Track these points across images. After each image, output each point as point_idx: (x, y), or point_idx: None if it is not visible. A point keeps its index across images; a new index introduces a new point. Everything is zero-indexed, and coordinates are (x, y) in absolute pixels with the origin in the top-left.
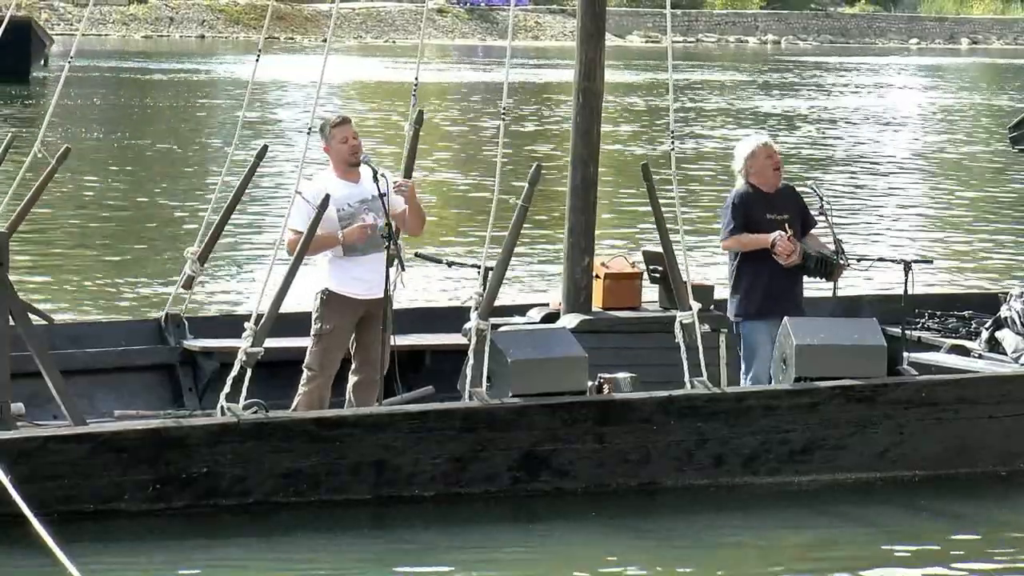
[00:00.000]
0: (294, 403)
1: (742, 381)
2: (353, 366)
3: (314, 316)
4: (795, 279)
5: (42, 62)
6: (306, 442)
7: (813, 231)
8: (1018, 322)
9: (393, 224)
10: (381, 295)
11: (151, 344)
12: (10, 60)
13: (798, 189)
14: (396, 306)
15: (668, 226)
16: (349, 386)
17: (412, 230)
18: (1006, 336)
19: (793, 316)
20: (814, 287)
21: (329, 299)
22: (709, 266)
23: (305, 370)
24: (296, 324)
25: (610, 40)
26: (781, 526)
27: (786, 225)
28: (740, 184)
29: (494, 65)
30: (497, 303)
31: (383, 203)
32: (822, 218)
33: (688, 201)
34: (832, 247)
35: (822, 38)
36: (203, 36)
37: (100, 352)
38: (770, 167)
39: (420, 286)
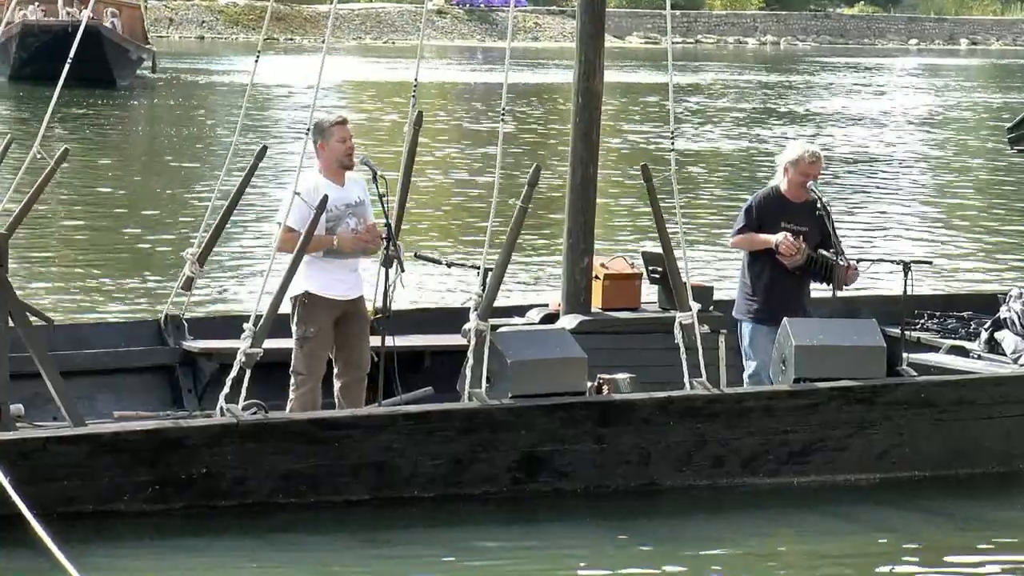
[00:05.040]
0: (288, 408)
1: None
2: (337, 369)
3: (295, 320)
4: (801, 283)
5: (148, 65)
6: (305, 443)
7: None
8: (1017, 323)
9: (392, 225)
10: (358, 295)
11: (150, 345)
12: (90, 67)
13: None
14: (395, 307)
15: (668, 227)
16: (336, 389)
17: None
18: (1005, 337)
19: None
20: (814, 288)
21: (311, 302)
22: (709, 267)
23: (294, 376)
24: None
25: (610, 41)
26: (780, 527)
27: (802, 237)
28: (772, 183)
29: (493, 66)
30: (496, 304)
31: (383, 203)
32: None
33: (688, 202)
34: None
35: (821, 39)
36: (202, 37)
37: (99, 353)
38: (800, 182)
39: (419, 287)
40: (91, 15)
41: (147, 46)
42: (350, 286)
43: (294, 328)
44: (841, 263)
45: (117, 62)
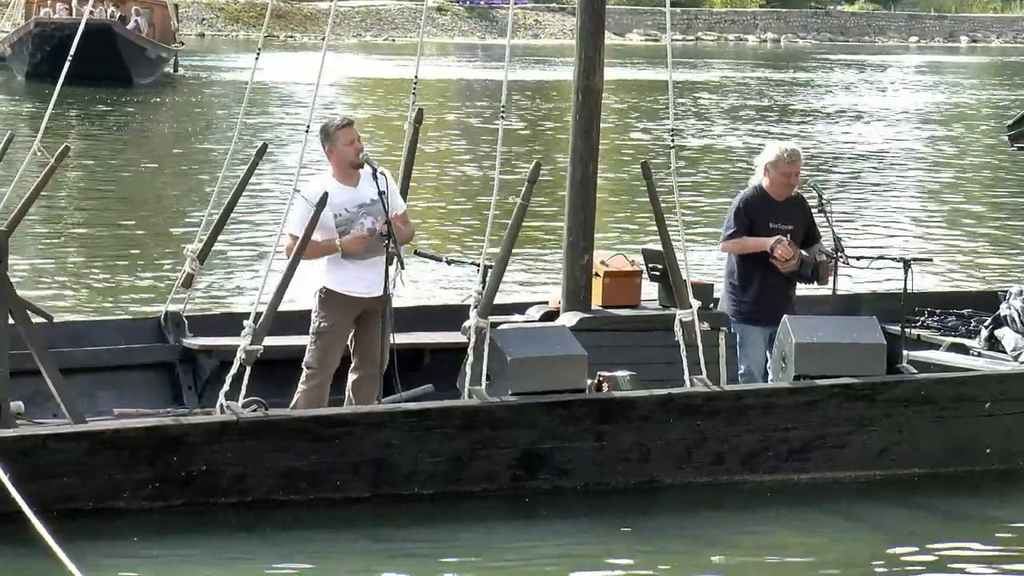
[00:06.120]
0: (294, 400)
1: None
2: (353, 364)
3: (313, 314)
4: (788, 283)
5: (170, 63)
6: (306, 440)
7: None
8: (1017, 320)
9: (393, 223)
10: (380, 293)
11: (151, 342)
12: (104, 66)
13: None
14: (395, 304)
15: (668, 224)
16: (348, 384)
17: (402, 241)
18: (1005, 334)
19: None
20: (814, 286)
21: (328, 297)
22: (708, 264)
23: (305, 368)
24: (295, 322)
25: (610, 38)
26: (780, 524)
27: (789, 236)
28: (753, 183)
29: (493, 63)
30: (496, 301)
31: (383, 201)
32: (822, 216)
33: (688, 199)
34: (828, 246)
35: (821, 36)
36: (203, 34)
37: (100, 350)
38: (783, 182)
39: (419, 284)
40: (118, 13)
41: (170, 45)
42: (370, 284)
43: (312, 321)
44: (840, 259)
45: (134, 61)
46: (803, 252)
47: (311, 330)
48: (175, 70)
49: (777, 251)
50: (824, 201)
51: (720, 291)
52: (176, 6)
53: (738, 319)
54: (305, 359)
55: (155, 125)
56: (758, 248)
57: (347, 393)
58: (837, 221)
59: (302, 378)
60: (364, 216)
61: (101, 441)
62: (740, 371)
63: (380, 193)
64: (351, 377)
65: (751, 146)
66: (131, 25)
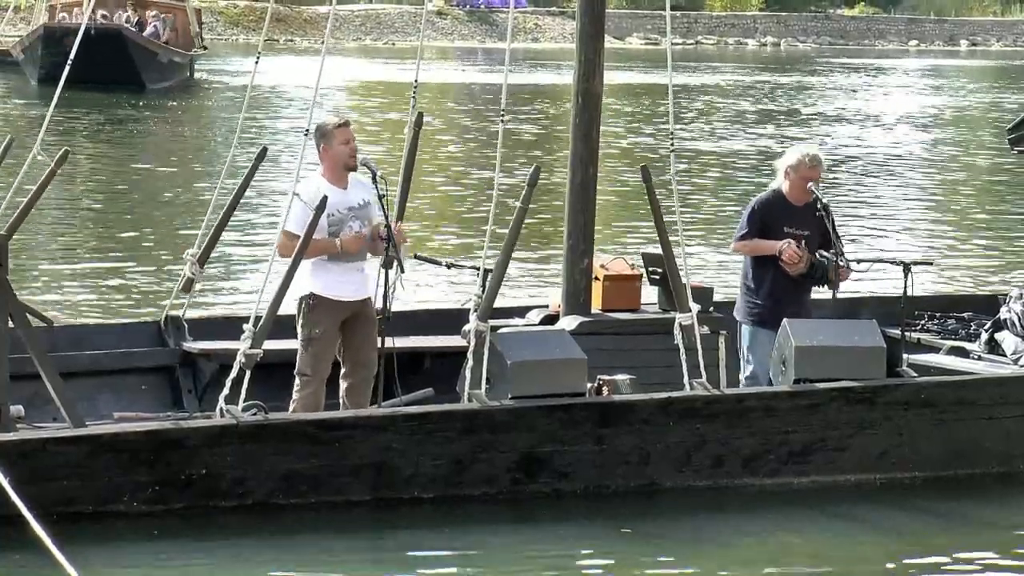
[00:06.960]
0: (291, 409)
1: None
2: (344, 370)
3: (300, 322)
4: (803, 287)
5: (187, 68)
6: (305, 444)
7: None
8: (1017, 324)
9: (394, 227)
10: (366, 296)
11: (151, 346)
12: (114, 70)
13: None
14: (395, 308)
15: (667, 228)
16: (342, 390)
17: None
18: (1005, 338)
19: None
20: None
21: (316, 303)
22: (708, 268)
23: (298, 376)
24: (295, 326)
25: (609, 42)
26: (780, 528)
27: (804, 242)
28: (773, 186)
29: (493, 67)
30: (496, 305)
31: (382, 205)
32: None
33: (687, 203)
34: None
35: (821, 40)
36: (202, 38)
37: (100, 354)
38: (802, 186)
39: (419, 288)
40: (135, 17)
41: (191, 50)
42: (357, 287)
43: (299, 329)
44: (841, 264)
45: (146, 66)
46: (817, 255)
47: (301, 338)
48: (190, 75)
49: (785, 254)
50: (824, 204)
51: (719, 292)
52: (198, 11)
53: (749, 320)
54: (298, 367)
55: (160, 129)
56: (768, 251)
57: (341, 399)
58: (838, 224)
59: (296, 386)
60: (352, 220)
61: (101, 444)
62: (747, 373)
63: (380, 197)
64: (343, 384)
65: (752, 150)
66: (149, 30)
